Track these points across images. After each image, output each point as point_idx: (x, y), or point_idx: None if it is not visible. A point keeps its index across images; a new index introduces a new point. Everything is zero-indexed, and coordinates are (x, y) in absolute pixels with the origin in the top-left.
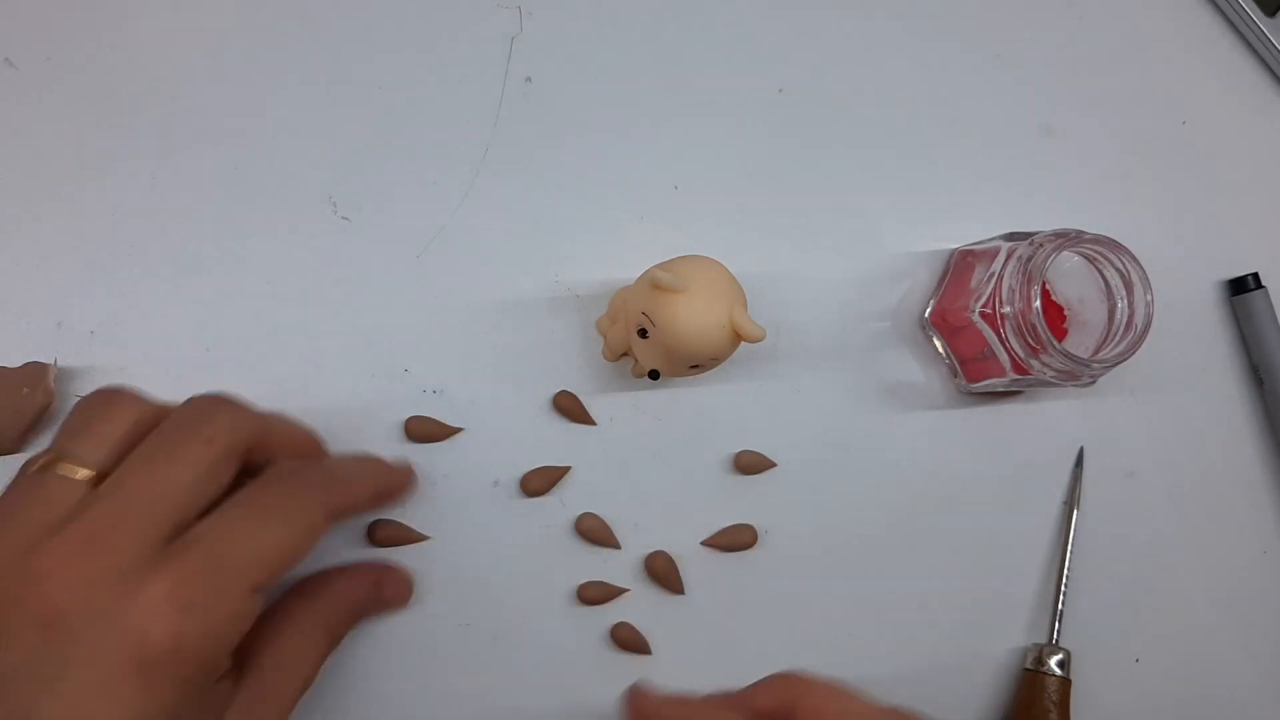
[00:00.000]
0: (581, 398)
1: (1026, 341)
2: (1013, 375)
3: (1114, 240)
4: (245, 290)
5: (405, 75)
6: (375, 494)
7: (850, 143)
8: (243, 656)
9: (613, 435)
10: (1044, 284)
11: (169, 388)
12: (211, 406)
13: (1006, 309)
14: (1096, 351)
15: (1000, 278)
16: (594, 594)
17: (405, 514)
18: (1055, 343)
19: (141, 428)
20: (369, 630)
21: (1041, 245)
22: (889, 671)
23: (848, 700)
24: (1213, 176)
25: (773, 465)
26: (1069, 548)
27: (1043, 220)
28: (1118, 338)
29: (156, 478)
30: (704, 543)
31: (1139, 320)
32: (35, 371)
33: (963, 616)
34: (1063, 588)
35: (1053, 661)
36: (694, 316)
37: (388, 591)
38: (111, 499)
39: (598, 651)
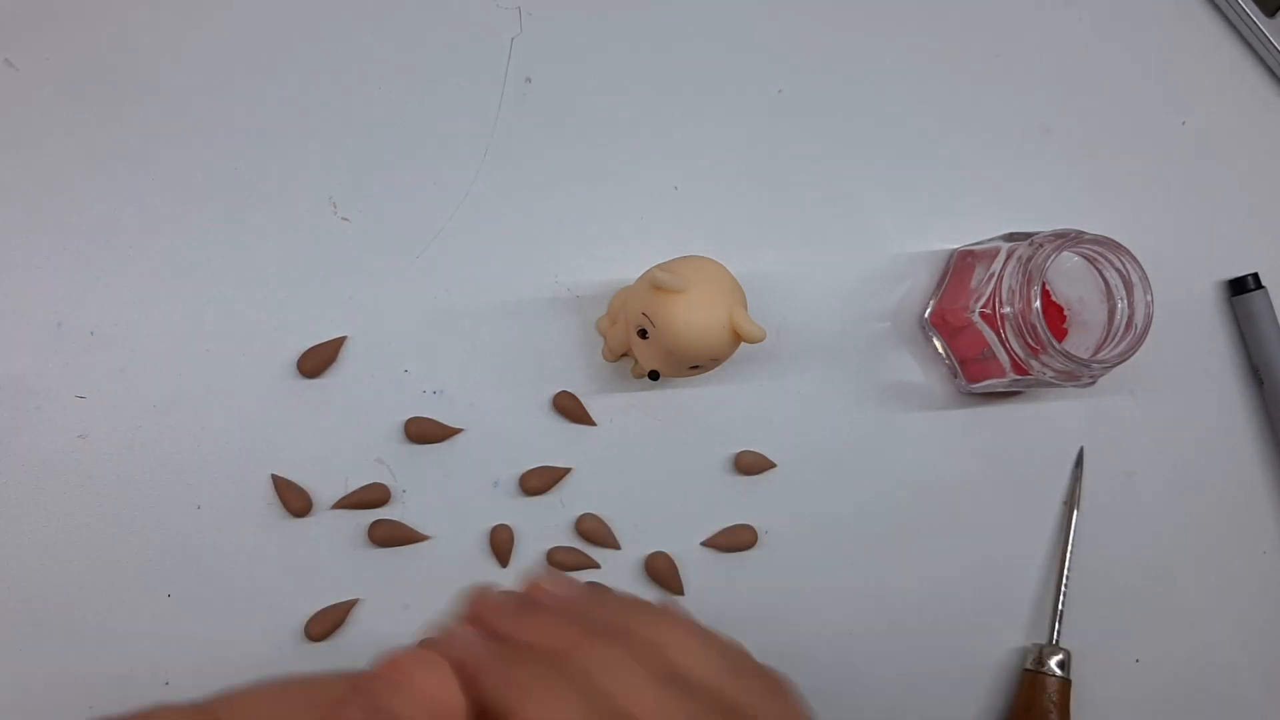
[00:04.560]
0: (581, 398)
1: (1026, 342)
2: (1013, 375)
3: (1114, 240)
4: (245, 290)
5: (405, 75)
6: None
7: (850, 143)
8: None
9: (613, 435)
10: (1044, 284)
11: (169, 388)
12: None
13: (1006, 309)
14: (1096, 352)
15: (1000, 278)
16: None
17: (405, 514)
18: (1055, 343)
19: None
20: (368, 630)
21: (1041, 245)
22: (889, 671)
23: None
24: (1213, 176)
25: (773, 465)
26: (1069, 548)
27: (1043, 220)
28: (1118, 338)
29: None
30: (704, 543)
31: (1139, 320)
32: None
33: (963, 616)
34: (1063, 588)
35: (1053, 661)
36: (694, 316)
37: None
38: None
39: None
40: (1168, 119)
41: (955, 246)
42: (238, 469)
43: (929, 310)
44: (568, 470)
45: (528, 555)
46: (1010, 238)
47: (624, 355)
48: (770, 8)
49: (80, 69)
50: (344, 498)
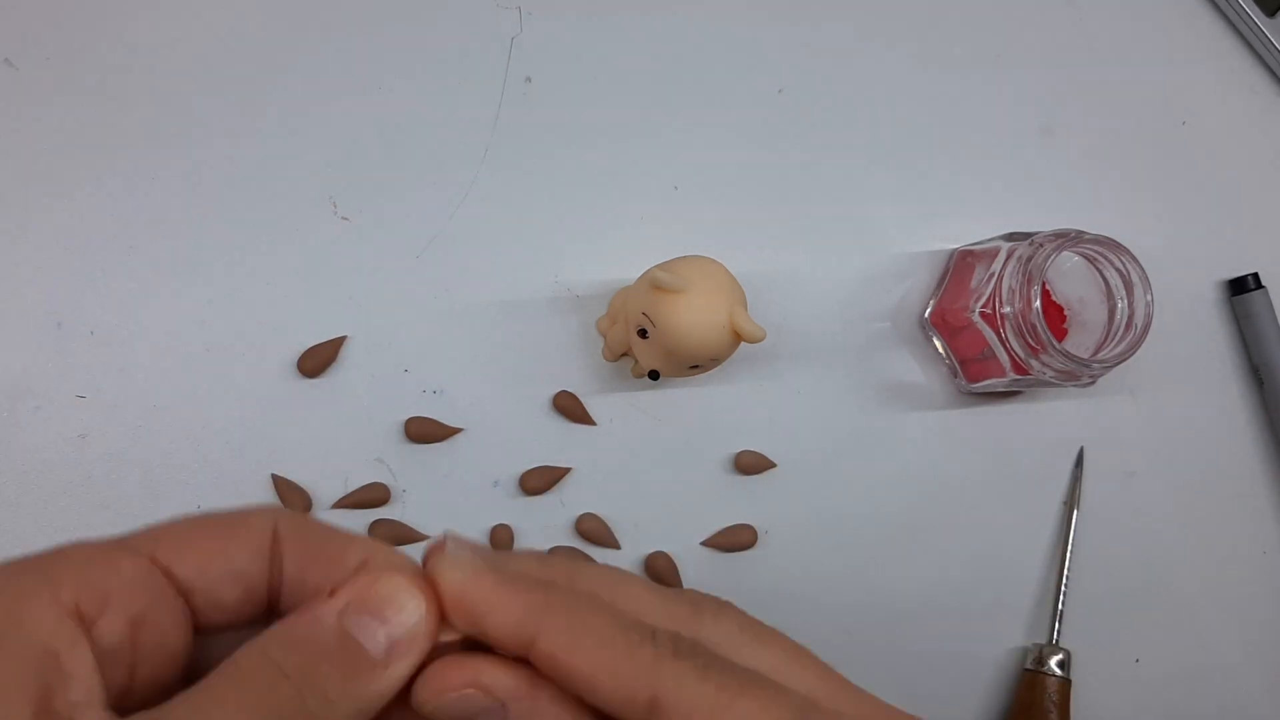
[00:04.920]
0: (581, 398)
1: (1026, 341)
2: (1013, 375)
3: (1114, 240)
4: (245, 290)
5: (405, 75)
6: None
7: (850, 143)
8: None
9: (613, 435)
10: (1044, 284)
11: (169, 388)
12: None
13: (1006, 309)
14: (1096, 351)
15: (1000, 278)
16: None
17: (405, 514)
18: (1055, 343)
19: None
20: None
21: (1041, 245)
22: (889, 672)
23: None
24: (1213, 176)
25: (773, 465)
26: (1069, 548)
27: (1043, 220)
28: (1118, 338)
29: None
30: (704, 543)
31: (1139, 320)
32: None
33: (963, 616)
34: (1063, 588)
35: (1053, 661)
36: (694, 316)
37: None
38: None
39: None
40: (1168, 119)
41: (955, 246)
42: (238, 469)
43: (929, 310)
44: (568, 470)
45: None
46: (1010, 238)
47: (624, 355)
48: (770, 8)
49: (80, 69)
50: (344, 498)
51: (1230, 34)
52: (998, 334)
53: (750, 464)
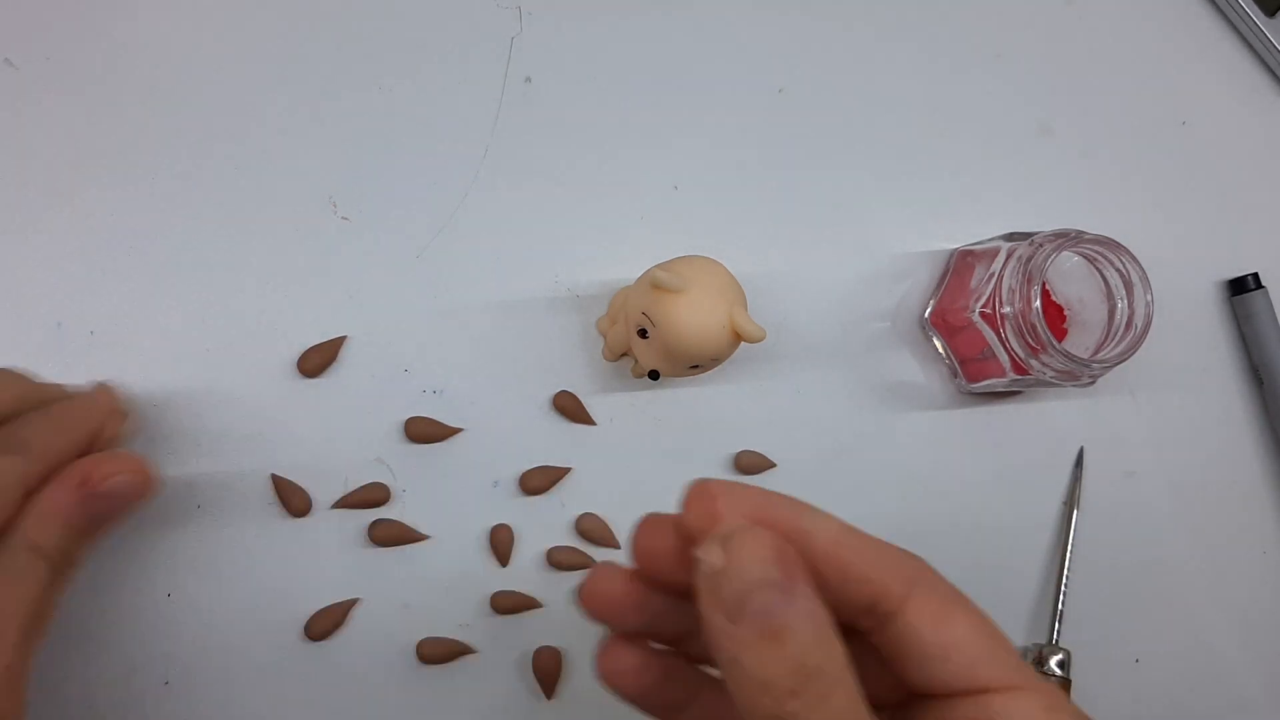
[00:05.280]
0: (581, 398)
1: (1026, 341)
2: (1013, 375)
3: (1114, 240)
4: (245, 290)
5: (405, 75)
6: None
7: (850, 143)
8: None
9: (613, 435)
10: (1044, 284)
11: (169, 387)
12: None
13: (1006, 309)
14: (1096, 351)
15: (1000, 278)
16: None
17: (405, 514)
18: (1055, 343)
19: None
20: (368, 629)
21: (1041, 245)
22: None
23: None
24: (1213, 176)
25: (773, 465)
26: (1069, 548)
27: (1043, 220)
28: (1118, 338)
29: None
30: None
31: (1139, 320)
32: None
33: None
34: (1063, 588)
35: (1053, 661)
36: (694, 316)
37: (104, 483)
38: None
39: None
40: (1168, 119)
41: (955, 246)
42: (238, 469)
43: (929, 310)
44: (568, 470)
45: (528, 555)
46: (1010, 238)
47: (624, 355)
48: (770, 8)
49: (80, 69)
50: (344, 497)
51: (1230, 34)
52: (998, 334)
53: (750, 464)
